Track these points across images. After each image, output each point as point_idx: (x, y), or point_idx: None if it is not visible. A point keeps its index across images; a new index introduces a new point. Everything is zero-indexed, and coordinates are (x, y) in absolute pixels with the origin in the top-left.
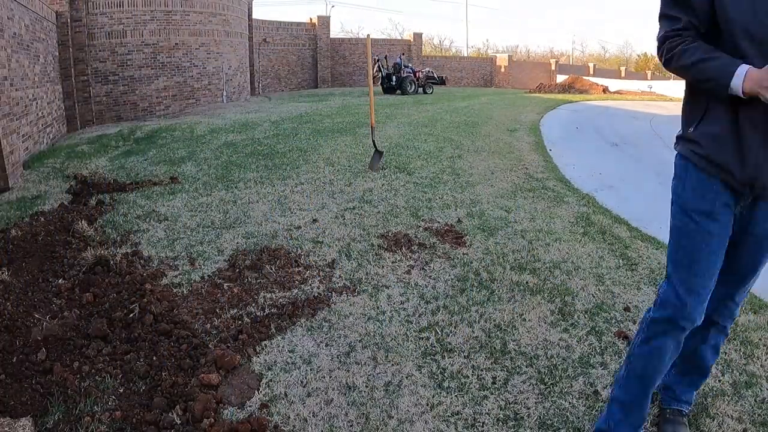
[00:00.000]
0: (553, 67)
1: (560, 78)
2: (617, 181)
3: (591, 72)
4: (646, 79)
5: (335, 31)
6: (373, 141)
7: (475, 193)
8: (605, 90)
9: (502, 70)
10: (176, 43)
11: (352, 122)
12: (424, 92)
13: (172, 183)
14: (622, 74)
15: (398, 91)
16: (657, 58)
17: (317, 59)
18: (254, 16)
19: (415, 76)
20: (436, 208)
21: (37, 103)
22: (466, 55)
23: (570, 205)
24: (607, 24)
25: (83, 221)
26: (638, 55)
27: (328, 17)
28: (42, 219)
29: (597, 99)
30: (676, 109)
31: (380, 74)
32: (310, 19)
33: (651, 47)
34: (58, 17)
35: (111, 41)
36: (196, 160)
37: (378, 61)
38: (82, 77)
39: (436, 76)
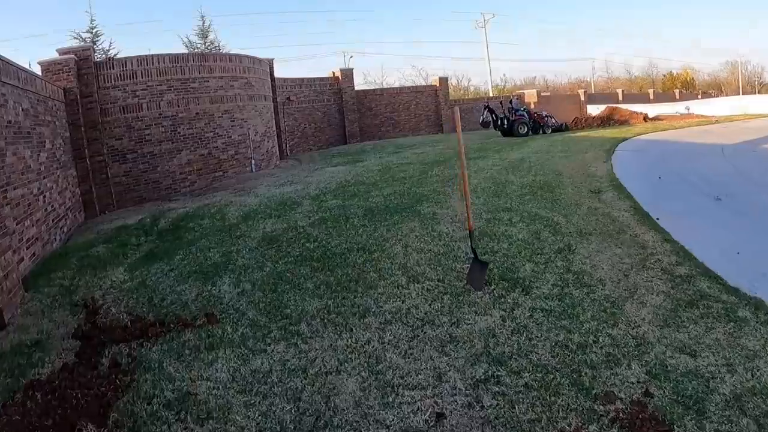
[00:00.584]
0: (582, 98)
1: (590, 108)
2: None
3: (620, 98)
4: (675, 98)
5: (359, 83)
6: (473, 248)
7: (630, 321)
8: (645, 118)
9: (532, 106)
10: (197, 113)
11: (405, 194)
12: (543, 133)
13: (209, 324)
14: (651, 96)
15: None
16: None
17: (344, 113)
18: (275, 75)
19: (530, 117)
20: (599, 363)
21: (45, 197)
22: (491, 94)
23: (753, 328)
24: (628, 47)
25: (90, 425)
26: (664, 75)
27: (351, 69)
28: (38, 397)
29: (645, 132)
30: (727, 132)
31: (491, 119)
32: (333, 73)
33: (675, 66)
34: (66, 94)
35: (126, 116)
36: (234, 270)
37: (487, 107)
38: (98, 157)
39: (556, 121)
